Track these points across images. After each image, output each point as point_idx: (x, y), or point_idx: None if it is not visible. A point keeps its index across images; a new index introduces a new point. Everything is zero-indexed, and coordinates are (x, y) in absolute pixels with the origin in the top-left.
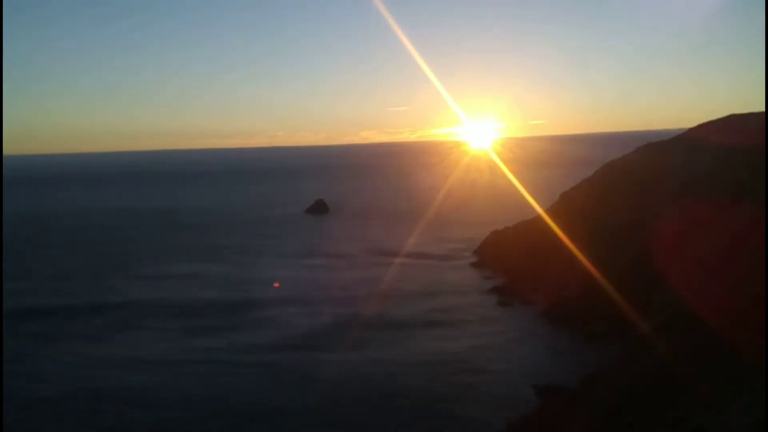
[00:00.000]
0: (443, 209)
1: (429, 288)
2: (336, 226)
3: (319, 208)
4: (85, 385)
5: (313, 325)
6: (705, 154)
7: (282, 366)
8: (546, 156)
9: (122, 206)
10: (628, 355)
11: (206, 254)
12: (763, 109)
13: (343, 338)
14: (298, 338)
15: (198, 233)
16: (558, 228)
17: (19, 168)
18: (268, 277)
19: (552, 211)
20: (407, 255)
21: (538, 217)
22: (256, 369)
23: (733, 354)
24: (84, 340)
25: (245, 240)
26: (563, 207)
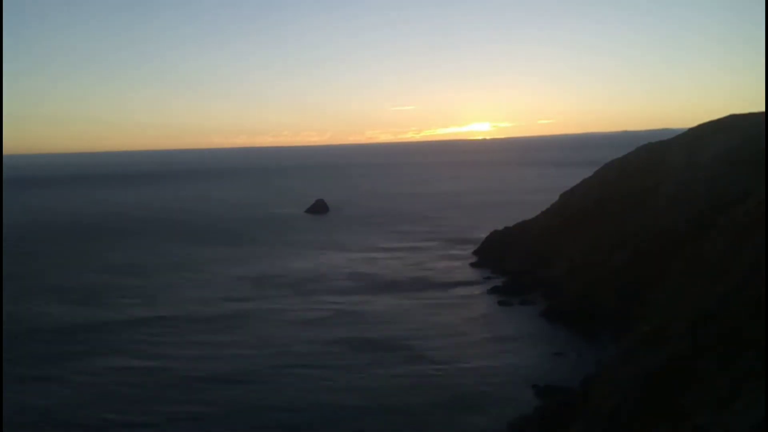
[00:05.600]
0: (443, 209)
1: (429, 288)
2: (334, 226)
3: (318, 208)
4: None
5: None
6: (705, 154)
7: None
8: (548, 156)
9: (136, 207)
10: (628, 355)
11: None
12: (763, 109)
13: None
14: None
15: (198, 238)
16: (558, 228)
17: (23, 167)
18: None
19: (552, 211)
20: (406, 254)
21: (538, 217)
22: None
23: (733, 354)
24: None
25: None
26: (563, 207)
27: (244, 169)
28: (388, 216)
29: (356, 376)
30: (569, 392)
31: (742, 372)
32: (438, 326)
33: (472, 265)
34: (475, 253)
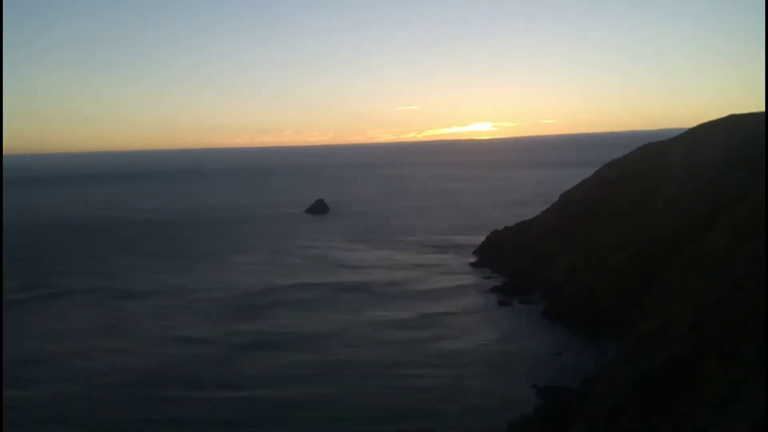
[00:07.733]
0: (444, 208)
1: (429, 288)
2: (334, 226)
3: (318, 208)
4: None
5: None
6: (705, 154)
7: None
8: (549, 156)
9: (143, 209)
10: (628, 355)
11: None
12: (763, 109)
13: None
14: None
15: (193, 238)
16: (558, 228)
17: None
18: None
19: (552, 211)
20: (406, 255)
21: (538, 217)
22: None
23: (733, 354)
24: None
25: (233, 242)
26: (563, 207)
27: (246, 169)
28: (388, 216)
29: (355, 377)
30: (569, 392)
31: (742, 372)
32: (438, 326)
33: (472, 265)
34: (475, 253)
